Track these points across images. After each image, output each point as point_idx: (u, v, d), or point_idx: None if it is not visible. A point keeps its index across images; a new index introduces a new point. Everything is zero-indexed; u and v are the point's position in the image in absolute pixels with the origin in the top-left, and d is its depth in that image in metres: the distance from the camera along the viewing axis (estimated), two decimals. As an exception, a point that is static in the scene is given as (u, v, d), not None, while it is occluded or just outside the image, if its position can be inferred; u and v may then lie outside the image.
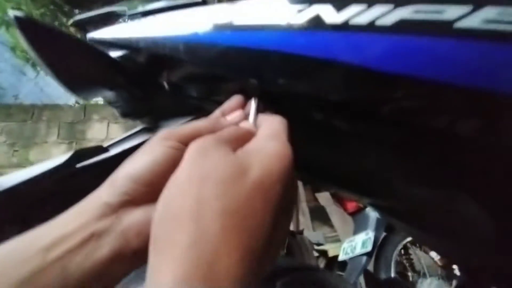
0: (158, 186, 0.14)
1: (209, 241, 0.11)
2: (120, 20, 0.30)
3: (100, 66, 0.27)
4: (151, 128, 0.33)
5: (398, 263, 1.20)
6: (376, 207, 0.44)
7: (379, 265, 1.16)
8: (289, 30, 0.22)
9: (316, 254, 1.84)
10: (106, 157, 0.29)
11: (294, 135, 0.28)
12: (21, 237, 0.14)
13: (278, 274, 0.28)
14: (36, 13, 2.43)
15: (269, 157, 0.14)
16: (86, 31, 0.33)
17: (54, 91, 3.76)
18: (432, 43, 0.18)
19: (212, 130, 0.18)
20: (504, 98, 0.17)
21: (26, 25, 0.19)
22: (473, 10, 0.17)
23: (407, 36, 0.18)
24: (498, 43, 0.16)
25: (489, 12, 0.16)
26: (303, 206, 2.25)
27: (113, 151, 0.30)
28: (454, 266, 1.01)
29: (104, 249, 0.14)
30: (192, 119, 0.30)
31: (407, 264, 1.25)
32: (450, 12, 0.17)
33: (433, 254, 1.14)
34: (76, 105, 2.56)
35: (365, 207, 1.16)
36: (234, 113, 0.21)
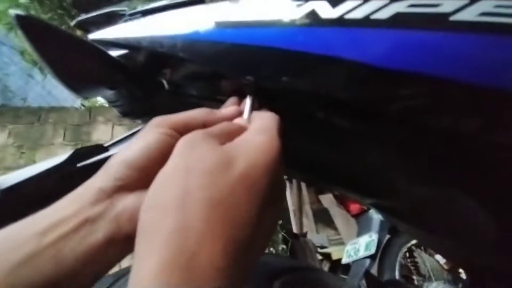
0: (151, 171, 0.15)
1: (193, 229, 0.11)
2: (121, 20, 0.31)
3: (101, 65, 0.27)
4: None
5: (403, 266, 1.19)
6: (377, 207, 0.43)
7: (383, 268, 1.14)
8: (286, 26, 0.22)
9: (319, 257, 1.82)
10: (106, 156, 0.29)
11: (294, 134, 0.28)
12: (18, 223, 0.14)
13: (277, 273, 0.28)
14: (44, 17, 2.48)
15: (255, 150, 0.14)
16: (88, 31, 0.33)
17: (61, 94, 3.83)
18: (428, 37, 0.17)
19: (204, 120, 0.18)
20: (504, 93, 0.17)
21: (26, 23, 0.20)
22: (470, 3, 0.16)
23: (403, 30, 0.18)
24: (494, 37, 0.16)
25: (485, 5, 0.16)
26: (307, 209, 2.23)
27: (113, 150, 0.30)
28: (461, 270, 0.99)
29: (97, 234, 0.14)
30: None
31: (412, 268, 1.23)
32: (446, 5, 0.17)
33: (439, 257, 1.12)
34: (82, 107, 2.60)
35: (369, 209, 1.14)
36: (229, 107, 0.21)
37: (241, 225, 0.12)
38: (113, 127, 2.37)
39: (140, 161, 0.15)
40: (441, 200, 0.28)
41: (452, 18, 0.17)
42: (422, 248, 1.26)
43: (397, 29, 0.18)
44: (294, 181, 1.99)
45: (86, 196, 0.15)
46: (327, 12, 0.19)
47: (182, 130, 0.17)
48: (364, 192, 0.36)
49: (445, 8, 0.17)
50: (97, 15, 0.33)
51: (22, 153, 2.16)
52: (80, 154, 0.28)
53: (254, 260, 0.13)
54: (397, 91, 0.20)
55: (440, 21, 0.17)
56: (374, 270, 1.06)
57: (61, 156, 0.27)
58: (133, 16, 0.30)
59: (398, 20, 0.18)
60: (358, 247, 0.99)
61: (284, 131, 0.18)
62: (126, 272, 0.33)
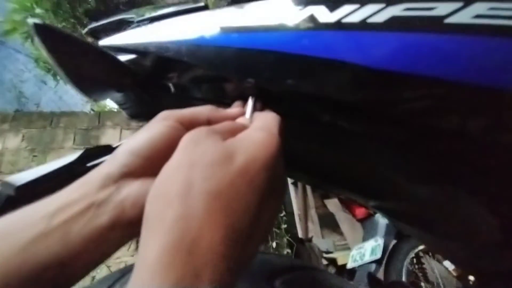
0: (156, 160, 0.16)
1: (195, 218, 0.12)
2: (130, 27, 0.32)
3: (110, 69, 0.29)
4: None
5: (410, 272, 1.16)
6: (382, 210, 0.43)
7: (389, 274, 1.11)
8: (288, 30, 0.22)
9: (325, 262, 1.79)
10: (114, 156, 0.30)
11: (297, 136, 0.28)
12: (30, 206, 0.15)
13: (277, 272, 0.28)
14: (58, 25, 2.58)
15: (255, 145, 0.15)
16: (99, 38, 0.35)
17: (72, 99, 3.93)
18: (424, 40, 0.18)
19: (209, 116, 0.19)
20: (498, 92, 0.17)
21: (43, 31, 0.21)
22: (464, 6, 0.17)
23: (399, 33, 0.19)
24: (489, 38, 0.16)
25: (479, 7, 0.17)
26: (312, 213, 2.21)
27: (120, 150, 0.31)
28: (470, 277, 0.96)
29: (103, 217, 0.15)
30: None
31: (420, 274, 1.19)
32: (441, 9, 0.17)
33: (447, 263, 1.08)
34: (91, 112, 2.66)
35: (374, 213, 1.13)
36: (232, 107, 0.22)
37: (240, 215, 0.13)
38: (121, 131, 2.42)
39: (146, 150, 0.16)
40: (444, 201, 0.28)
41: (446, 20, 0.17)
42: (430, 254, 1.22)
43: (393, 32, 0.19)
44: (299, 185, 1.97)
45: (94, 181, 0.16)
46: (325, 16, 0.20)
47: (187, 125, 0.18)
48: (368, 194, 0.36)
49: (440, 11, 0.17)
50: (107, 23, 0.34)
51: (34, 156, 2.22)
52: (89, 154, 0.29)
53: (252, 251, 0.14)
54: (395, 92, 0.21)
55: (435, 23, 0.18)
56: (380, 276, 1.03)
57: (71, 155, 0.28)
58: (141, 23, 0.31)
59: (394, 23, 0.19)
60: (363, 252, 0.98)
61: (285, 131, 0.19)
62: (131, 268, 0.33)
